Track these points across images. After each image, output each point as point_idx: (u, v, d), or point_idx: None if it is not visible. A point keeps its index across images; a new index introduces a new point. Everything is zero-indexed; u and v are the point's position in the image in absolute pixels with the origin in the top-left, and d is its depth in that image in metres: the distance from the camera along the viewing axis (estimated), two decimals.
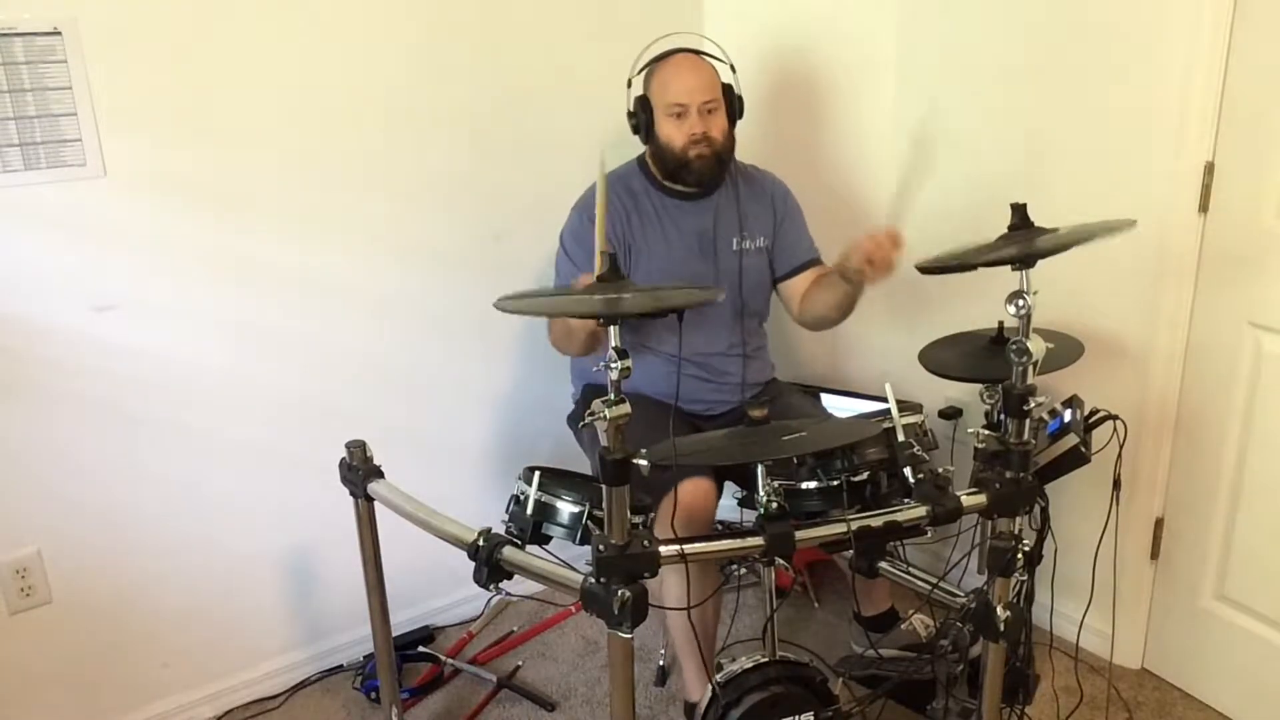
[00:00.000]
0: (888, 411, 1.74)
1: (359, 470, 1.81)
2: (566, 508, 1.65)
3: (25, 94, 1.80)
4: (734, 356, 2.21)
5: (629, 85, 2.10)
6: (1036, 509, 1.78)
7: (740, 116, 2.13)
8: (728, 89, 2.10)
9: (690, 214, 2.16)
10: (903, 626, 2.24)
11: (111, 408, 2.01)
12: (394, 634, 2.04)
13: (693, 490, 1.87)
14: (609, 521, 1.37)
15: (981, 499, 1.57)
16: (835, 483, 1.68)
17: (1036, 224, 1.61)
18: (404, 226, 2.29)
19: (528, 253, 2.29)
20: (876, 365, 2.73)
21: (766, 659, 1.74)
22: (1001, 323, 1.88)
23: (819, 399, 2.47)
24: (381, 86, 2.18)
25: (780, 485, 1.60)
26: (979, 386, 1.69)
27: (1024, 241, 1.55)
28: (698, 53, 2.09)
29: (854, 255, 1.94)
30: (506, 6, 2.31)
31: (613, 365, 1.33)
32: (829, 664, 2.10)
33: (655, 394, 2.08)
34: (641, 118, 2.09)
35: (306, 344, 2.21)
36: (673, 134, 2.07)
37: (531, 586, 2.58)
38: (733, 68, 2.12)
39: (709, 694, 1.73)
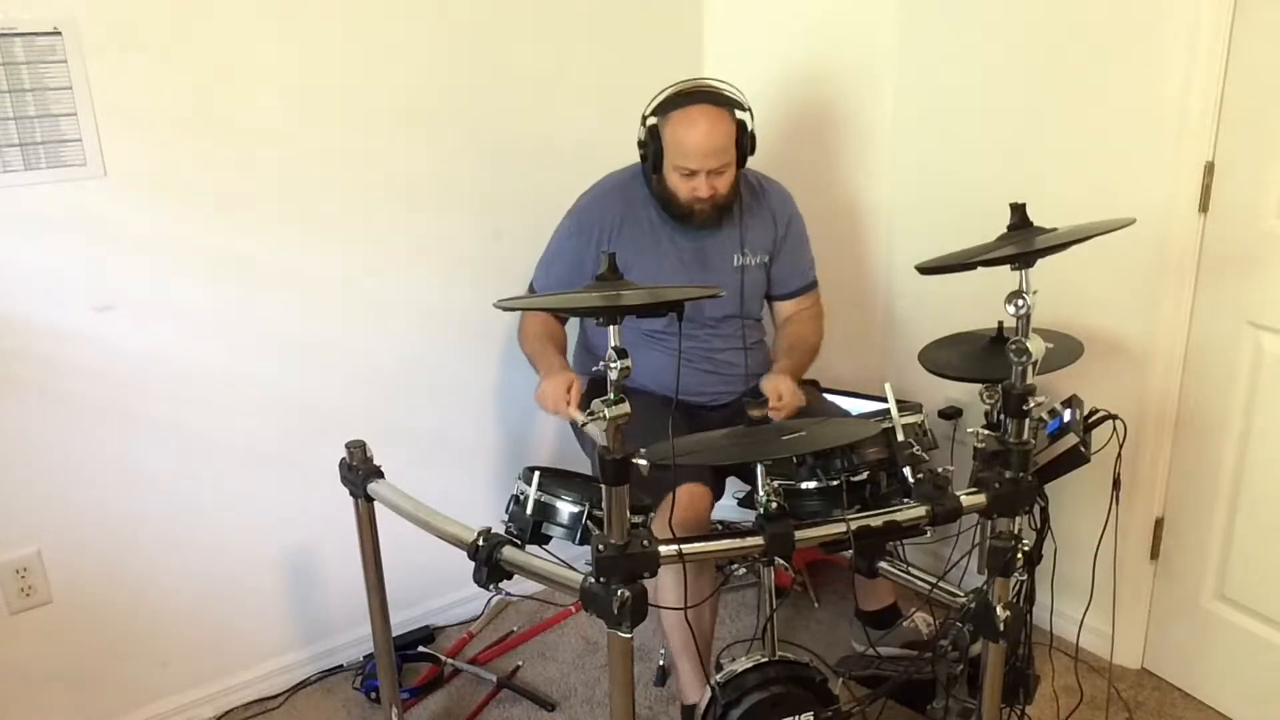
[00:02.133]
0: (888, 411, 1.74)
1: (359, 470, 1.81)
2: (566, 508, 1.65)
3: (25, 94, 1.80)
4: (736, 349, 2.22)
5: (643, 122, 2.07)
6: (1036, 509, 1.78)
7: (752, 153, 2.10)
8: (740, 127, 2.06)
9: (688, 232, 2.16)
10: (904, 624, 2.24)
11: (111, 408, 2.01)
12: (394, 634, 2.04)
13: (688, 496, 1.87)
14: (609, 521, 1.37)
15: (981, 499, 1.57)
16: (835, 483, 1.68)
17: (1036, 224, 1.61)
18: (404, 226, 2.29)
19: (528, 253, 2.29)
20: (876, 365, 2.73)
21: (766, 659, 1.74)
22: (1001, 322, 1.88)
23: (822, 394, 2.46)
24: (382, 87, 2.18)
25: (780, 485, 1.60)
26: (979, 386, 1.69)
27: (1023, 241, 1.55)
28: (715, 100, 2.03)
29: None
30: (507, 8, 2.31)
31: (612, 365, 1.33)
32: (829, 664, 2.10)
33: (658, 388, 2.09)
34: (651, 148, 2.07)
35: (306, 344, 2.21)
36: (679, 186, 2.07)
37: (531, 586, 2.58)
38: (750, 111, 2.08)
39: (708, 695, 1.73)
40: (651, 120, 2.08)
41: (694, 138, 2.01)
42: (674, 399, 1.99)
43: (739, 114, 2.07)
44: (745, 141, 2.08)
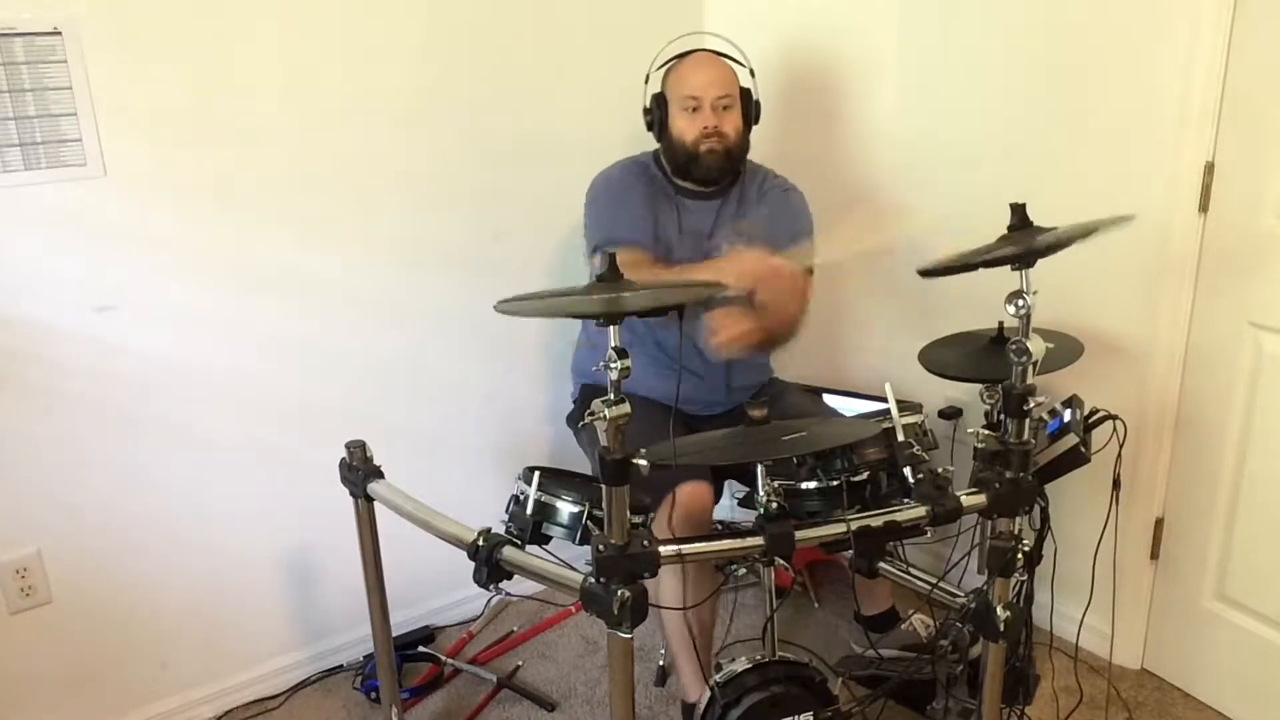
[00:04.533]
0: (888, 411, 1.74)
1: (359, 470, 1.81)
2: (566, 508, 1.65)
3: (25, 94, 1.80)
4: (734, 360, 2.20)
5: (646, 81, 2.12)
6: (1036, 509, 1.78)
7: (756, 121, 2.13)
8: (745, 92, 2.11)
9: (693, 214, 2.16)
10: (903, 626, 2.24)
11: (112, 408, 2.01)
12: (394, 634, 2.04)
13: (691, 493, 1.87)
14: (609, 521, 1.37)
15: (981, 499, 1.57)
16: (835, 483, 1.68)
17: (1036, 224, 1.60)
18: (404, 226, 2.29)
19: (528, 253, 2.29)
20: (876, 365, 2.73)
21: (766, 659, 1.74)
22: (1001, 323, 1.88)
23: (820, 398, 2.47)
24: (382, 86, 2.18)
25: (780, 485, 1.60)
26: (979, 386, 1.69)
27: (1023, 241, 1.55)
28: (718, 54, 2.11)
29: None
30: (507, 7, 2.31)
31: (612, 365, 1.33)
32: (829, 664, 2.10)
33: (653, 395, 2.08)
34: (656, 114, 2.10)
35: (306, 344, 2.21)
36: (685, 127, 2.07)
37: (531, 586, 2.58)
38: (752, 71, 2.13)
39: (707, 694, 1.73)
40: (654, 83, 2.12)
41: (698, 71, 2.07)
42: (674, 401, 1.98)
43: (741, 76, 2.11)
44: (750, 103, 2.11)
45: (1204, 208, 1.98)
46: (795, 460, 1.69)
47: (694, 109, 2.05)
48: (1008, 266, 1.51)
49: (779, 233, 2.15)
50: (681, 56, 2.12)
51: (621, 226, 2.08)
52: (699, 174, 2.10)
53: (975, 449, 1.63)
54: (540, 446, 2.61)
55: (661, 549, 1.41)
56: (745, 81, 2.12)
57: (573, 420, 2.26)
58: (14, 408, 1.92)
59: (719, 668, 1.76)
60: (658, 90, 2.12)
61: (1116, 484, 1.87)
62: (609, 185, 2.17)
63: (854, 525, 1.53)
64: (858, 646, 2.31)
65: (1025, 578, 1.78)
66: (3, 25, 1.76)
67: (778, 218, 2.19)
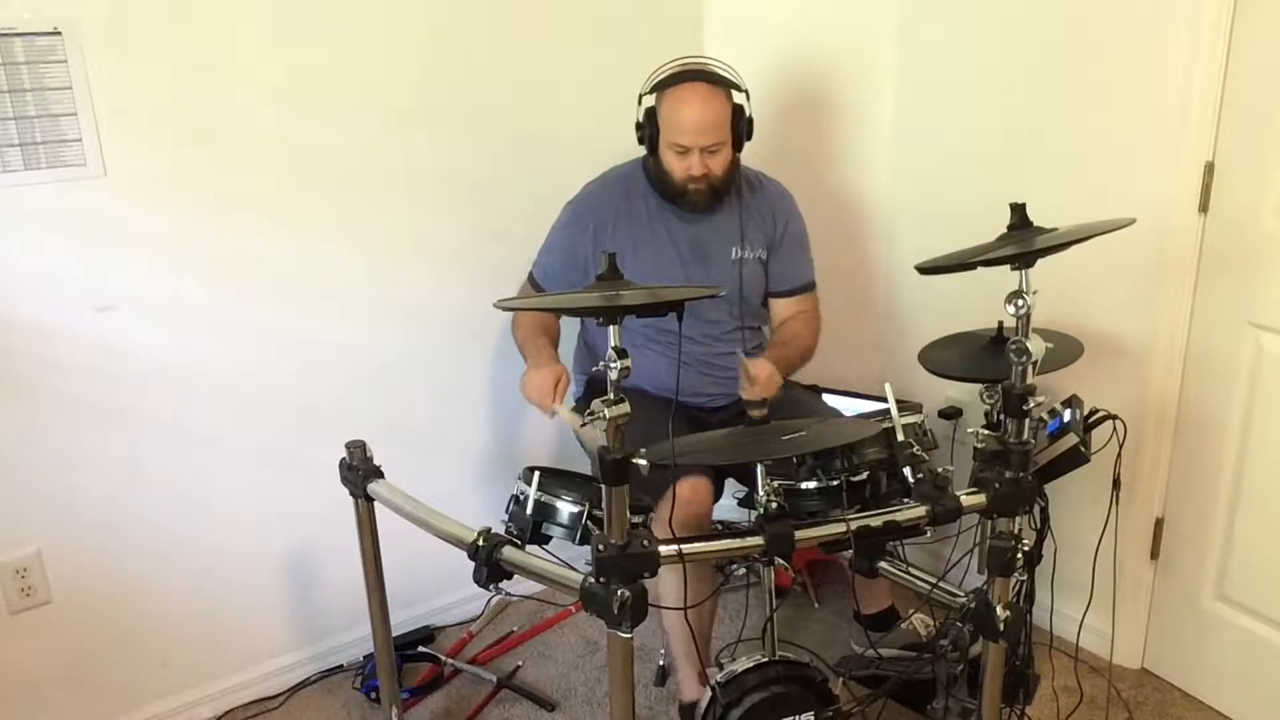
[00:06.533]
0: (888, 411, 1.74)
1: (359, 470, 1.81)
2: (566, 508, 1.65)
3: (25, 94, 1.80)
4: (734, 354, 2.21)
5: (639, 102, 2.09)
6: (1036, 509, 1.78)
7: (749, 138, 2.10)
8: (738, 111, 2.06)
9: (687, 221, 2.16)
10: (903, 626, 2.24)
11: (112, 408, 2.01)
12: (394, 634, 2.04)
13: (691, 489, 1.87)
14: (609, 521, 1.37)
15: (981, 499, 1.57)
16: (835, 483, 1.68)
17: (1036, 224, 1.61)
18: (404, 226, 2.28)
19: (528, 253, 2.29)
20: (876, 365, 2.73)
21: (766, 659, 1.74)
22: (1001, 322, 1.88)
23: (820, 395, 2.46)
24: (382, 86, 2.18)
25: (780, 485, 1.60)
26: (979, 386, 1.69)
27: (1023, 241, 1.55)
28: (711, 79, 2.04)
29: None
30: (507, 7, 2.31)
31: (612, 365, 1.33)
32: (829, 664, 2.10)
33: (655, 389, 2.09)
34: (648, 130, 2.09)
35: (306, 344, 2.21)
36: (674, 165, 2.07)
37: (531, 586, 2.58)
38: (746, 93, 2.08)
39: (708, 694, 1.73)
40: (648, 100, 2.09)
41: (687, 114, 2.01)
42: (674, 399, 1.98)
43: (735, 96, 2.06)
44: (742, 124, 2.07)
45: (1204, 208, 1.98)
46: (795, 460, 1.69)
47: (682, 153, 2.04)
48: (1007, 266, 1.51)
49: (790, 279, 2.27)
50: (675, 83, 2.03)
51: (551, 274, 2.22)
52: (686, 208, 2.12)
53: (975, 449, 1.63)
54: (540, 446, 2.61)
55: (661, 549, 1.41)
56: (738, 97, 2.06)
57: None
58: (14, 408, 1.91)
59: (720, 667, 1.76)
60: (650, 106, 2.08)
61: (1116, 484, 1.87)
62: (574, 217, 2.19)
63: (854, 525, 1.53)
64: (858, 646, 2.31)
65: (1025, 578, 1.78)
66: (3, 25, 1.75)
67: (785, 262, 2.25)
